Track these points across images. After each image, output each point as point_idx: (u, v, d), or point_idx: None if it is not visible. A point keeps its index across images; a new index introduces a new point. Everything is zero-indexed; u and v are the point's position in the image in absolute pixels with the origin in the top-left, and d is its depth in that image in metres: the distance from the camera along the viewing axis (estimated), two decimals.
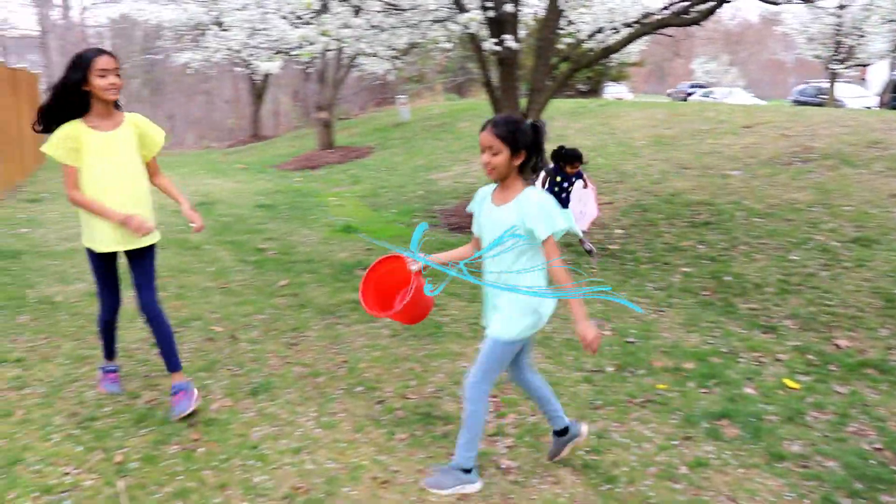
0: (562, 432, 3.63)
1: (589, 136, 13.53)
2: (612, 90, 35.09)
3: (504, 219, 3.24)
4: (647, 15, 7.70)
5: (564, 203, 7.24)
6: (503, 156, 3.16)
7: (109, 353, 4.22)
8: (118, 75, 3.62)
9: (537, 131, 3.21)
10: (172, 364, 3.99)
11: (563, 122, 15.04)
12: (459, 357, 5.02)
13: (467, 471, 3.41)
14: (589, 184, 7.45)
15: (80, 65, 3.53)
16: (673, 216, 8.37)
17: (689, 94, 40.14)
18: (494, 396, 4.40)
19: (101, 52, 3.62)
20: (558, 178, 7.15)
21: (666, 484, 3.48)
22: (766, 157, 10.12)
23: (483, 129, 3.20)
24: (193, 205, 4.08)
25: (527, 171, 3.27)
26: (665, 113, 14.13)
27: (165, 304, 5.76)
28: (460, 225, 9.19)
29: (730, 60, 51.23)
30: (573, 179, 7.21)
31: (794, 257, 6.78)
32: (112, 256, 3.85)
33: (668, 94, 42.94)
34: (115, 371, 4.25)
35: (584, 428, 3.70)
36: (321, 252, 7.97)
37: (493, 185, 3.35)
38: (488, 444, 3.82)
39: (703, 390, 4.51)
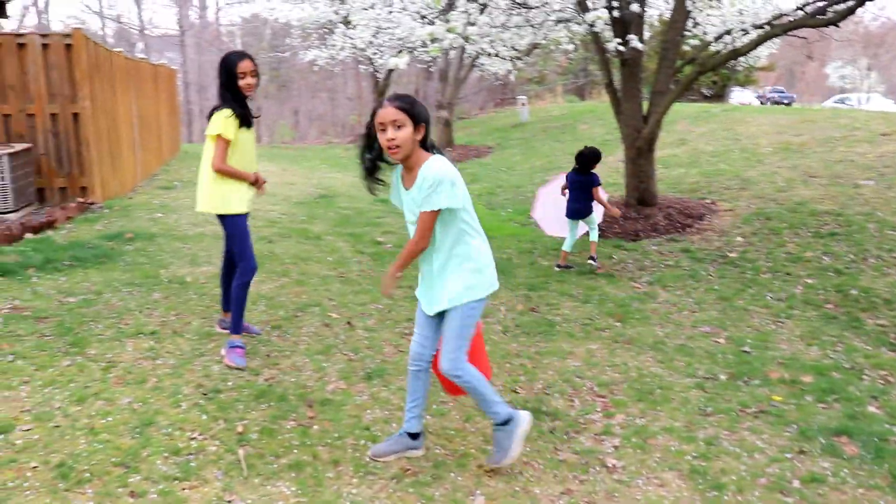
0: (414, 436, 3.57)
1: (711, 140, 13.20)
2: (738, 95, 33.91)
3: (414, 201, 3.24)
4: (779, 16, 7.45)
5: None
6: (407, 130, 3.09)
7: (238, 325, 4.55)
8: (254, 76, 4.39)
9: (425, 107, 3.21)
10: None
11: (685, 126, 14.73)
12: (570, 356, 5.03)
13: (506, 422, 3.47)
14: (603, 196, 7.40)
15: (227, 67, 4.33)
16: (797, 225, 8.07)
17: (769, 99, 37.95)
18: (604, 397, 4.40)
19: (241, 56, 4.38)
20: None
21: (776, 496, 3.40)
22: None
23: (380, 107, 3.13)
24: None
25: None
26: (794, 119, 13.62)
27: (287, 289, 6.05)
28: None
29: (868, 64, 48.58)
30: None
31: None
32: None
33: (758, 98, 40.56)
34: (241, 347, 4.52)
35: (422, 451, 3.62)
36: None
37: (400, 169, 3.28)
38: (595, 443, 3.83)
39: (822, 405, 4.36)
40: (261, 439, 3.58)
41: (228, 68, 4.31)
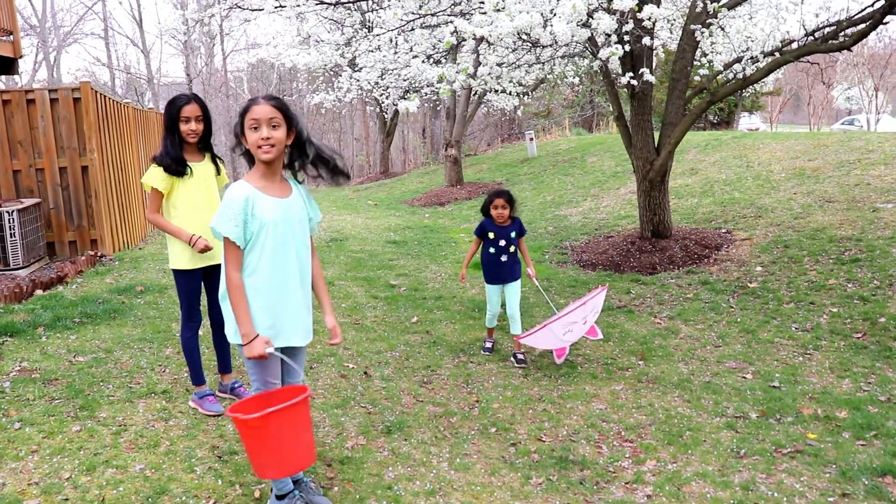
0: (283, 495, 3.29)
1: (724, 169, 13.08)
2: (745, 122, 33.80)
3: (300, 209, 3.14)
4: (789, 42, 7.36)
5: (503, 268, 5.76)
6: (282, 131, 2.99)
7: (197, 377, 4.47)
8: (200, 121, 4.19)
9: None
10: (228, 366, 4.70)
11: (695, 155, 14.62)
12: (594, 398, 4.88)
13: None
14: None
15: (170, 110, 4.15)
16: (818, 253, 7.91)
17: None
18: (632, 441, 4.24)
19: (188, 100, 4.18)
20: (491, 235, 5.74)
21: None
22: None
23: (254, 104, 2.97)
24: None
25: (297, 162, 3.12)
26: (807, 144, 13.49)
27: None
28: (592, 262, 9.02)
29: (875, 85, 48.47)
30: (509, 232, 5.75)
31: None
32: None
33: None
34: (212, 394, 4.47)
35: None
36: (451, 289, 7.99)
37: (250, 185, 3.00)
38: (627, 492, 3.66)
39: (861, 442, 4.17)
40: None
41: (171, 112, 4.14)
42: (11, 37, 11.41)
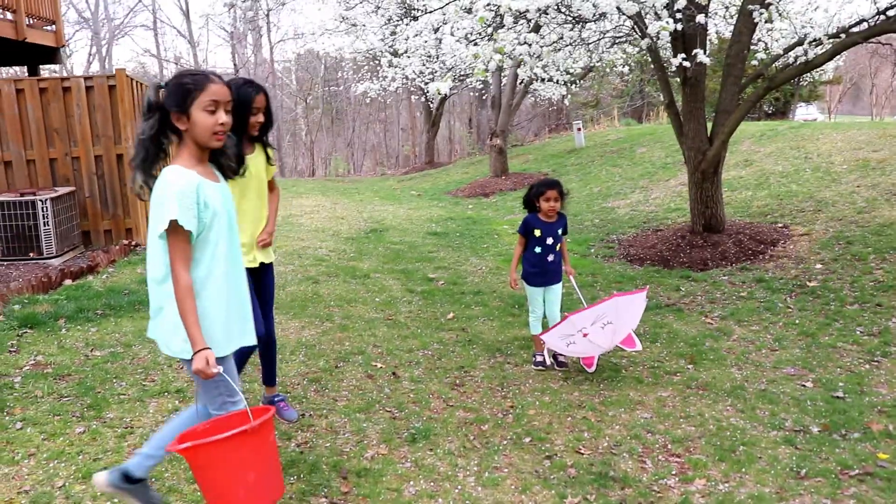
0: (135, 480, 2.91)
1: (780, 160, 12.49)
2: (801, 112, 32.72)
3: (229, 193, 2.79)
4: (857, 22, 6.83)
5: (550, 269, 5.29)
6: (230, 116, 2.63)
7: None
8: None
9: None
10: (272, 378, 4.18)
11: (749, 146, 14.03)
12: (638, 406, 4.50)
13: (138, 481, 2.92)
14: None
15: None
16: (884, 250, 7.39)
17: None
18: (679, 456, 3.86)
19: (258, 90, 3.63)
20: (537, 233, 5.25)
21: None
22: None
23: (210, 81, 2.55)
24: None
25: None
26: (870, 134, 12.81)
27: (329, 335, 5.64)
28: (640, 256, 8.60)
29: None
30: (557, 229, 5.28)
31: None
32: None
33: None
34: (283, 399, 4.22)
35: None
36: (491, 283, 7.66)
37: (193, 171, 2.58)
38: None
39: None
40: None
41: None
42: (54, 26, 11.37)
